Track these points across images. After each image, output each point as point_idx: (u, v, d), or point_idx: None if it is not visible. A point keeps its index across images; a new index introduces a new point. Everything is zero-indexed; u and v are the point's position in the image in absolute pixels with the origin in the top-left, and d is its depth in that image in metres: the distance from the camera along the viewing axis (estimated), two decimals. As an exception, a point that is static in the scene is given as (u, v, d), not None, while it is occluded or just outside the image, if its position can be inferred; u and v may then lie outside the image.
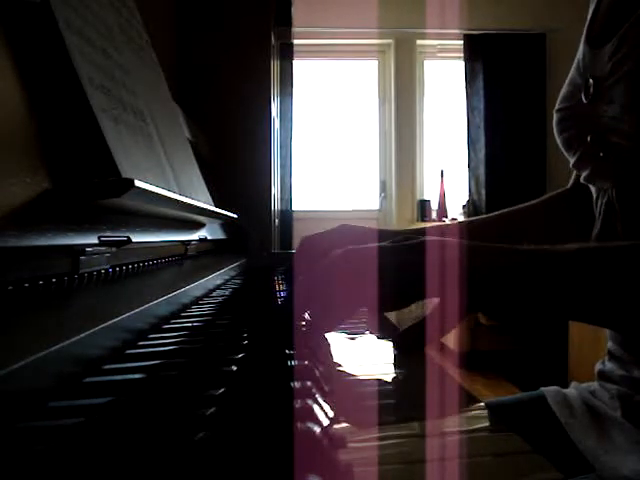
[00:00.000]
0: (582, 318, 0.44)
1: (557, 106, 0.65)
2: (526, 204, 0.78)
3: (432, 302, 0.41)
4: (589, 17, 0.63)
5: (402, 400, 0.33)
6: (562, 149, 0.65)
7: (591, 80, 0.58)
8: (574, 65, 0.64)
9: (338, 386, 0.36)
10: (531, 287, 0.41)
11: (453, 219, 3.48)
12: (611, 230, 0.59)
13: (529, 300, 0.41)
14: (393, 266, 0.40)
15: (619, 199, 0.57)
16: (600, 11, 0.62)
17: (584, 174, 0.63)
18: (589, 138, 0.59)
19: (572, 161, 0.64)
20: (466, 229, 0.74)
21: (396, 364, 0.42)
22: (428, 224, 3.44)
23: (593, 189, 0.65)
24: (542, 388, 0.70)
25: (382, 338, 0.47)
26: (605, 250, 0.43)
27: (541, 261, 0.42)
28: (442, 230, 0.74)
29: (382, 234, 0.63)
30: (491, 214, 0.79)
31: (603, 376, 0.64)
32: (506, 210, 0.78)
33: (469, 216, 3.42)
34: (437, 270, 0.39)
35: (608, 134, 0.55)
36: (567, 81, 0.65)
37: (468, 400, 0.33)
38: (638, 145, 0.52)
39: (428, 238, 0.41)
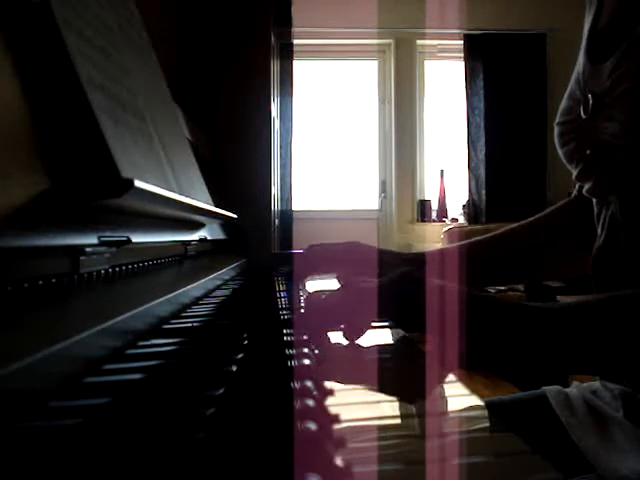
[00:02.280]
0: (585, 372, 0.45)
1: (557, 119, 0.65)
2: (528, 220, 0.77)
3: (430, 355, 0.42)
4: (587, 30, 0.63)
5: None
6: (564, 162, 0.65)
7: (590, 96, 0.58)
8: (573, 77, 0.64)
9: (335, 351, 0.38)
10: (531, 344, 0.42)
11: (453, 219, 3.48)
12: (614, 243, 0.59)
13: (528, 356, 0.42)
14: (396, 310, 0.45)
15: (622, 212, 0.57)
16: (599, 25, 0.61)
17: (586, 187, 0.63)
18: (588, 152, 0.59)
19: (574, 174, 0.64)
20: (468, 253, 0.73)
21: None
22: (428, 224, 3.44)
23: (595, 202, 0.64)
24: (544, 387, 0.70)
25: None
26: (605, 303, 0.44)
27: (541, 318, 0.43)
28: (443, 255, 0.73)
29: (383, 255, 0.65)
30: (491, 234, 0.78)
31: (605, 376, 0.64)
32: (508, 228, 0.77)
33: (469, 216, 3.41)
34: (437, 319, 0.40)
35: (607, 151, 0.55)
36: (567, 94, 0.65)
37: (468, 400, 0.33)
38: (637, 163, 0.52)
39: (428, 285, 0.42)
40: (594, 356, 0.42)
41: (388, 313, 0.44)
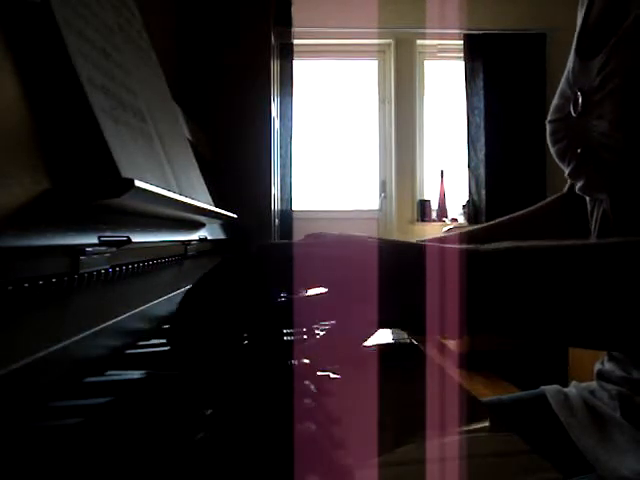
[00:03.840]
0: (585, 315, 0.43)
1: (549, 117, 0.65)
2: (524, 211, 0.78)
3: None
4: (578, 27, 0.63)
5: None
6: (556, 160, 0.65)
7: (579, 94, 0.58)
8: (564, 76, 0.63)
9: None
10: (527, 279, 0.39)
11: (453, 219, 3.48)
12: None
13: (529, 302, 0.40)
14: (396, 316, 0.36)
15: (613, 210, 0.57)
16: (589, 21, 0.61)
17: (579, 185, 0.62)
18: (579, 151, 0.58)
19: (567, 172, 0.64)
20: (465, 240, 0.73)
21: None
22: (428, 224, 3.44)
23: (588, 200, 0.64)
24: (543, 387, 0.70)
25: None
26: (594, 247, 0.42)
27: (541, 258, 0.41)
28: (442, 242, 0.74)
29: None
30: (489, 223, 0.79)
31: (602, 376, 0.64)
32: (504, 218, 0.78)
33: (469, 216, 3.42)
34: (437, 279, 0.37)
35: (598, 149, 0.55)
36: (558, 92, 0.64)
37: (468, 400, 0.33)
38: (628, 161, 0.51)
39: (428, 245, 0.40)
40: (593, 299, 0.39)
41: (389, 322, 0.40)
